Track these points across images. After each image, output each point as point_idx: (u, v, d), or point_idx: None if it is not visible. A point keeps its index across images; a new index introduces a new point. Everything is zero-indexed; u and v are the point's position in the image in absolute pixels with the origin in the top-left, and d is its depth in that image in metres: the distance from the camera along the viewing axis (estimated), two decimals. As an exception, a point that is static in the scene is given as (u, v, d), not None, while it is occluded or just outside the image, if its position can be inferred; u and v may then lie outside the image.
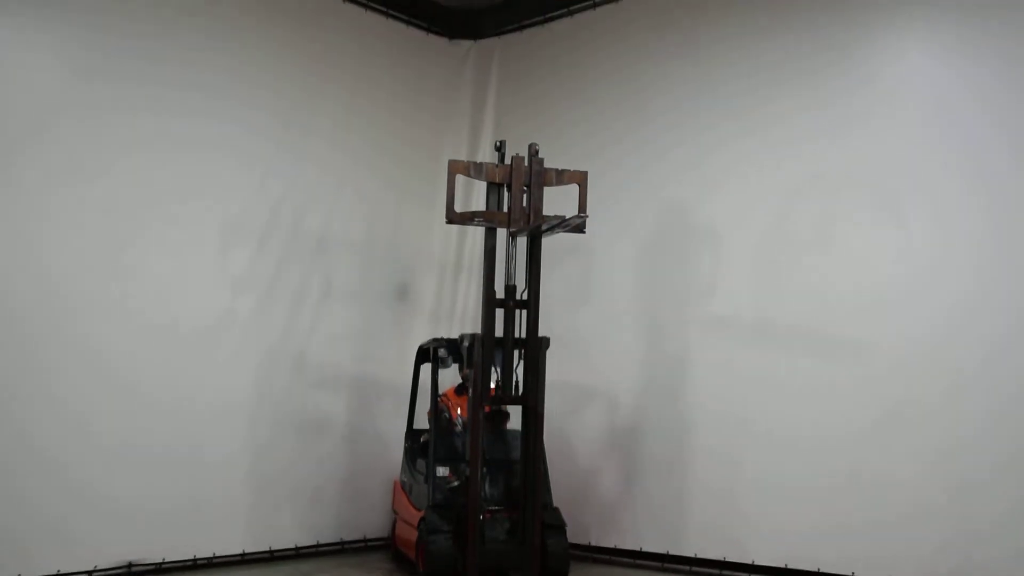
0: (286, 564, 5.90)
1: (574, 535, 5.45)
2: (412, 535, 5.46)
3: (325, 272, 6.39)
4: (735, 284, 5.69)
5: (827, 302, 5.28)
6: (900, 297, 5.04)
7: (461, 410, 5.67)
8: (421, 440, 5.92)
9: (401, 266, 6.90)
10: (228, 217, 5.85)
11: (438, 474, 5.34)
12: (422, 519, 5.27)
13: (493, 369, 5.49)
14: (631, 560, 5.92)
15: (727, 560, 5.49)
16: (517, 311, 5.07)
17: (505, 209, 5.05)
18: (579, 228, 5.06)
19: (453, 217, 5.00)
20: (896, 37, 5.22)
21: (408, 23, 6.98)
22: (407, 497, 5.79)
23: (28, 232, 4.99)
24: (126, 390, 5.30)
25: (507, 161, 5.08)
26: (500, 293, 5.07)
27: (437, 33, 7.15)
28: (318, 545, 6.20)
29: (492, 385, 5.77)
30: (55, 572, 4.94)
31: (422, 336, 6.44)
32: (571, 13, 6.73)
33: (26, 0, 5.03)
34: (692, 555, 5.65)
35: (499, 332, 5.05)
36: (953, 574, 4.69)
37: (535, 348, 5.02)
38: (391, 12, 6.86)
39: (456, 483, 5.27)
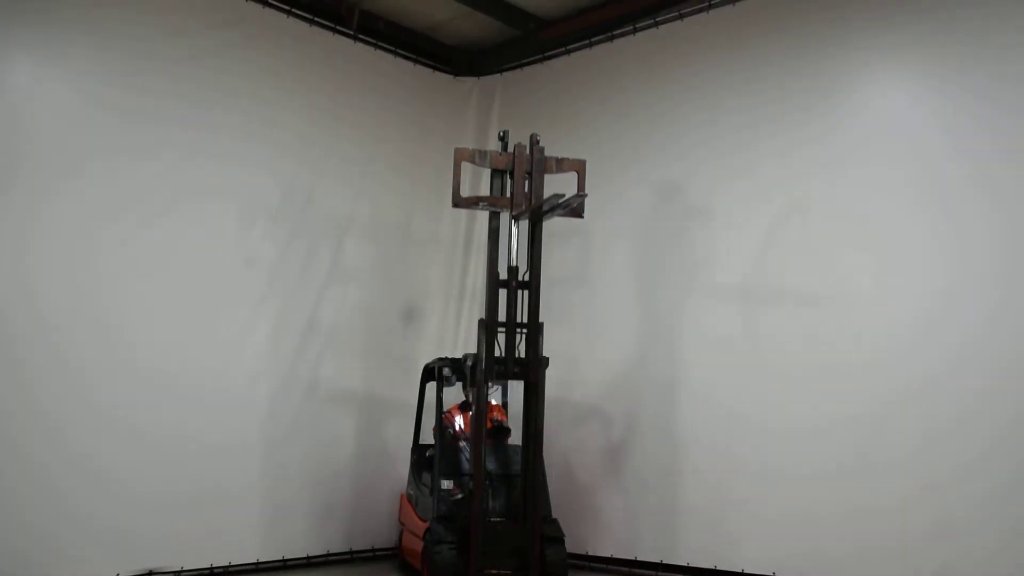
0: (298, 572, 6.09)
1: (572, 545, 5.61)
2: (418, 545, 5.60)
3: (335, 298, 6.59)
4: (727, 308, 5.87)
5: (813, 332, 5.43)
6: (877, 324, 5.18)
7: (464, 426, 5.89)
8: (426, 455, 6.06)
9: (408, 291, 7.11)
10: (243, 245, 6.07)
11: (443, 487, 5.50)
12: (427, 530, 5.40)
13: (494, 388, 5.76)
14: (627, 569, 6.10)
15: (718, 569, 5.65)
16: (519, 291, 5.25)
17: (508, 195, 5.32)
18: (578, 212, 5.32)
19: (459, 201, 5.27)
20: (871, 78, 5.45)
21: (415, 62, 7.28)
22: (413, 509, 5.94)
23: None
24: (148, 414, 5.49)
25: (510, 150, 5.34)
26: (503, 275, 5.29)
27: (442, 71, 7.43)
28: (328, 554, 6.36)
29: (494, 402, 6.06)
30: (81, 579, 5.13)
31: (427, 356, 6.66)
32: (568, 52, 7.04)
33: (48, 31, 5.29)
34: (685, 564, 5.82)
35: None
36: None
37: (536, 327, 5.23)
38: (399, 51, 7.17)
39: (460, 496, 5.41)
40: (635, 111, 6.62)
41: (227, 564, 5.84)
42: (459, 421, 5.97)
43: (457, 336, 7.27)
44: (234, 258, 6.06)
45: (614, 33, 6.81)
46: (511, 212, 5.29)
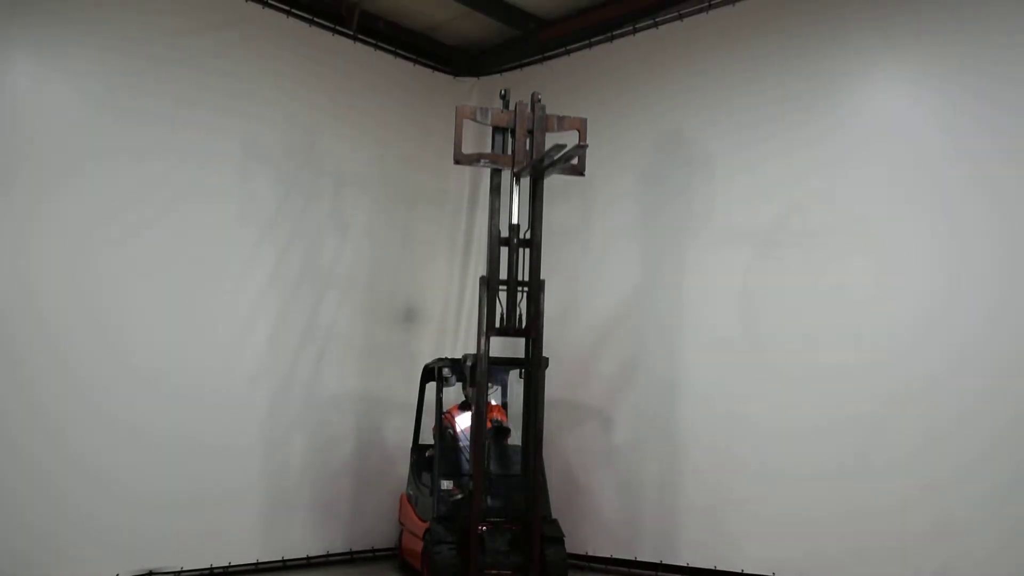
0: (298, 573, 6.11)
1: (572, 546, 5.63)
2: (418, 546, 5.62)
3: (336, 298, 6.62)
4: (725, 310, 5.88)
5: (813, 333, 5.44)
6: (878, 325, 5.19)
7: (464, 426, 5.89)
8: (426, 455, 6.09)
9: (408, 290, 7.13)
10: (244, 245, 6.09)
11: (442, 487, 5.52)
12: (427, 530, 5.41)
13: (494, 388, 5.78)
14: (626, 569, 6.12)
15: (718, 569, 5.66)
16: (520, 250, 5.31)
17: (509, 152, 5.35)
18: (579, 170, 5.34)
19: (460, 158, 5.31)
20: (871, 78, 5.46)
21: (415, 62, 7.30)
22: (413, 509, 5.96)
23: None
24: (149, 416, 5.50)
25: (511, 108, 5.36)
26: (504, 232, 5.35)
27: (442, 71, 7.44)
28: (328, 555, 6.38)
29: (494, 403, 6.07)
30: (81, 578, 5.15)
31: (427, 357, 6.70)
32: (568, 52, 7.05)
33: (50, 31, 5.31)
34: (685, 564, 5.84)
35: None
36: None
37: (537, 284, 5.27)
38: (399, 52, 7.19)
39: (460, 496, 5.43)
40: (635, 111, 6.63)
41: (227, 564, 5.86)
42: (459, 421, 5.98)
43: (457, 336, 7.28)
44: (233, 258, 6.07)
45: (614, 33, 6.82)
46: (512, 169, 5.31)
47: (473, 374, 5.35)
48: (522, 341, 5.47)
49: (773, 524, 5.47)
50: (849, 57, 5.51)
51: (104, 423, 5.36)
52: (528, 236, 5.32)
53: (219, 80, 6.02)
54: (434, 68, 7.45)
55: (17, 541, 4.98)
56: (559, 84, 7.06)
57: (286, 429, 6.27)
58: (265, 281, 6.21)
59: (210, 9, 6.05)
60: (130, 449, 5.45)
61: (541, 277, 5.29)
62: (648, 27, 6.60)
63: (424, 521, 5.59)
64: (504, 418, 6.08)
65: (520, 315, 5.31)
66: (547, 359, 5.39)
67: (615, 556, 6.22)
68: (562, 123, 5.37)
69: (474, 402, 5.36)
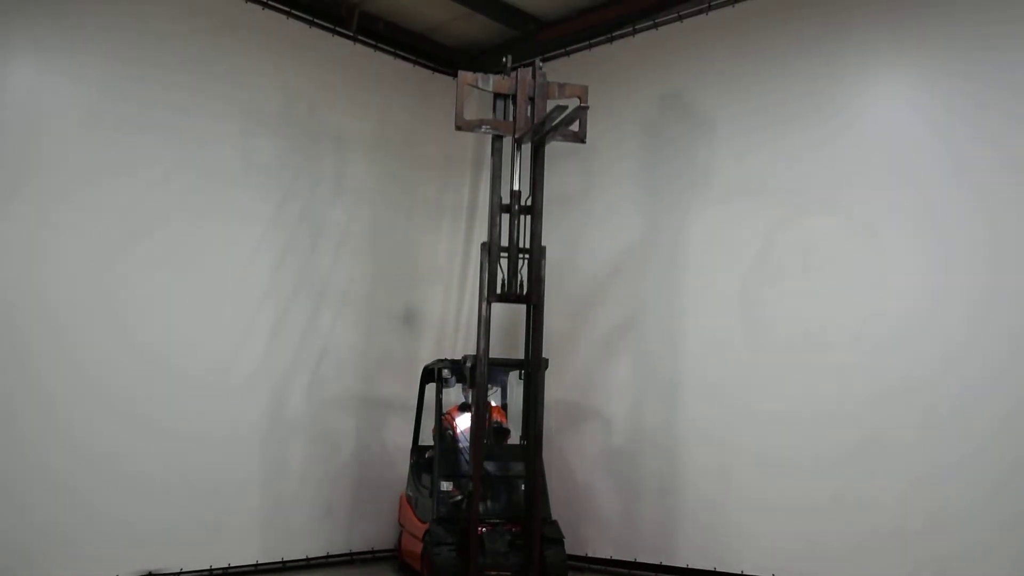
0: (297, 574, 6.12)
1: (572, 547, 5.63)
2: (417, 547, 5.63)
3: (336, 298, 6.63)
4: (724, 314, 5.89)
5: (811, 332, 5.46)
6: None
7: (464, 427, 5.89)
8: (426, 456, 6.10)
9: (408, 290, 7.15)
10: (244, 247, 6.11)
11: (442, 489, 5.52)
12: (427, 532, 5.42)
13: (494, 389, 5.77)
14: (626, 571, 6.13)
15: (717, 571, 5.68)
16: (522, 216, 5.32)
17: (511, 119, 5.36)
18: (580, 137, 5.35)
19: (461, 124, 5.32)
20: (871, 84, 5.45)
21: (415, 63, 7.31)
22: (413, 510, 5.97)
23: (46, 257, 5.22)
24: (149, 417, 5.54)
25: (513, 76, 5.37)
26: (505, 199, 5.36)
27: (442, 72, 7.44)
28: (328, 556, 6.39)
29: (494, 404, 6.07)
30: (79, 582, 5.16)
31: (427, 357, 6.70)
32: (568, 53, 7.08)
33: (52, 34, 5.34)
34: (684, 566, 5.84)
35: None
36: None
37: (538, 250, 5.28)
38: (399, 53, 7.20)
39: (459, 497, 5.43)
40: (633, 113, 6.63)
41: (226, 565, 5.87)
42: (459, 422, 5.98)
43: (456, 337, 7.27)
44: (235, 256, 6.09)
45: (613, 35, 6.83)
46: (513, 135, 5.32)
47: (473, 375, 5.35)
48: (522, 345, 5.47)
49: (773, 525, 5.48)
50: (849, 62, 5.52)
51: (112, 419, 5.39)
52: (529, 203, 5.33)
53: (219, 85, 6.04)
54: (434, 69, 7.45)
55: (21, 536, 5.00)
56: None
57: (286, 431, 6.27)
58: (268, 278, 6.23)
59: (210, 12, 6.06)
60: (132, 448, 5.46)
61: (542, 244, 5.29)
62: (647, 28, 6.61)
63: (424, 522, 5.60)
64: (504, 419, 6.09)
65: (521, 281, 5.31)
66: (547, 360, 5.39)
67: (615, 557, 6.23)
68: (563, 90, 5.39)
69: (474, 403, 5.35)
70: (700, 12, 6.28)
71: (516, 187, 5.33)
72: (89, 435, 5.30)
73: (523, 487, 5.37)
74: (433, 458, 5.80)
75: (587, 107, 5.01)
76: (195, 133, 5.87)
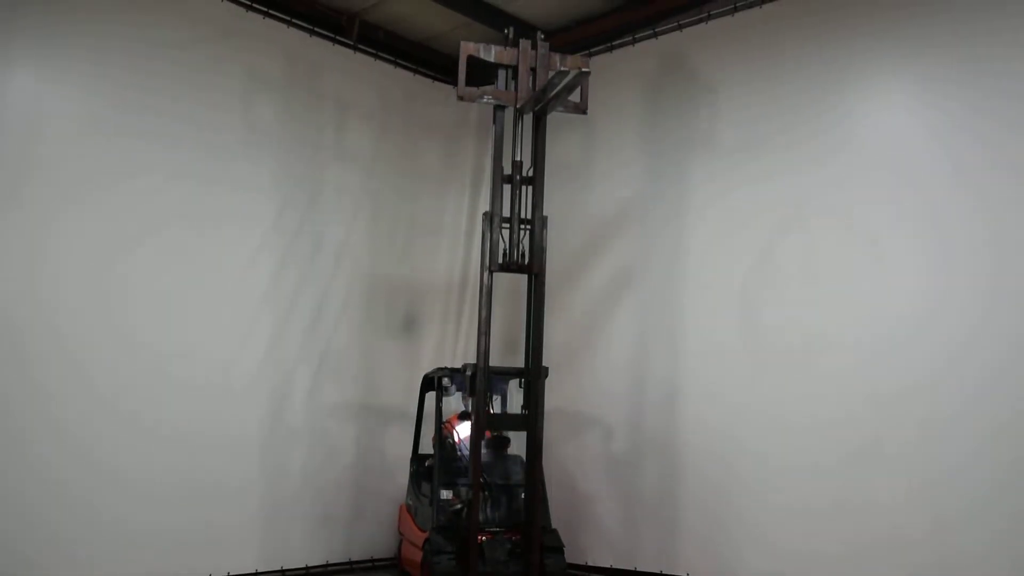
0: (297, 582, 6.12)
1: (572, 555, 5.64)
2: (417, 556, 5.62)
3: (335, 304, 6.64)
4: (724, 321, 5.91)
5: (811, 336, 5.46)
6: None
7: (464, 436, 5.88)
8: (426, 464, 6.09)
9: (409, 297, 7.16)
10: (244, 252, 6.12)
11: (442, 497, 5.52)
12: (426, 540, 5.41)
13: (494, 398, 5.77)
14: (626, 579, 6.12)
15: (718, 579, 5.68)
16: (523, 187, 5.36)
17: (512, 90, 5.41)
18: (581, 109, 5.38)
19: (463, 94, 5.35)
20: (872, 91, 5.49)
21: (415, 72, 7.34)
22: (412, 519, 5.96)
23: (42, 262, 5.22)
24: (149, 424, 5.54)
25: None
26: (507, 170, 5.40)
27: (443, 81, 7.46)
28: (327, 564, 6.38)
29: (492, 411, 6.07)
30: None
31: (427, 366, 6.71)
32: (569, 62, 7.14)
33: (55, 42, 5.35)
34: (685, 574, 5.83)
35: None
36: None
37: (540, 220, 5.31)
38: (399, 62, 7.23)
39: (459, 506, 5.43)
40: (633, 124, 6.65)
41: (225, 574, 5.85)
42: (458, 431, 5.98)
43: (456, 346, 7.28)
44: (237, 265, 6.10)
45: (613, 44, 6.85)
46: (515, 105, 5.35)
47: (473, 383, 5.34)
48: (522, 350, 5.46)
49: (774, 530, 5.47)
50: (849, 70, 5.53)
51: (112, 424, 5.39)
52: (531, 173, 5.35)
53: (218, 93, 6.05)
54: (435, 78, 7.48)
55: (21, 539, 5.00)
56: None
57: (285, 439, 6.26)
58: (267, 283, 6.25)
59: (211, 20, 6.08)
60: (132, 453, 5.46)
61: (544, 214, 5.31)
62: (647, 38, 6.64)
63: (423, 531, 5.59)
64: (504, 427, 6.08)
65: (523, 252, 5.32)
66: (547, 368, 5.39)
67: (615, 566, 6.21)
68: (564, 61, 5.42)
69: (474, 411, 5.34)
70: (700, 22, 6.31)
71: (518, 157, 5.39)
72: (89, 440, 5.30)
73: (523, 495, 5.37)
74: (433, 466, 5.79)
75: (588, 72, 5.01)
76: (195, 140, 5.88)
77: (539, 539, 5.16)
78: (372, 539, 6.63)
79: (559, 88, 4.99)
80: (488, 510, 5.42)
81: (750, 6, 6.02)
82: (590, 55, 6.96)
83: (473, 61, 5.43)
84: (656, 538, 6.03)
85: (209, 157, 5.96)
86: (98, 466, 5.31)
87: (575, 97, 5.40)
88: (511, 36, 5.55)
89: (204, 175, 5.93)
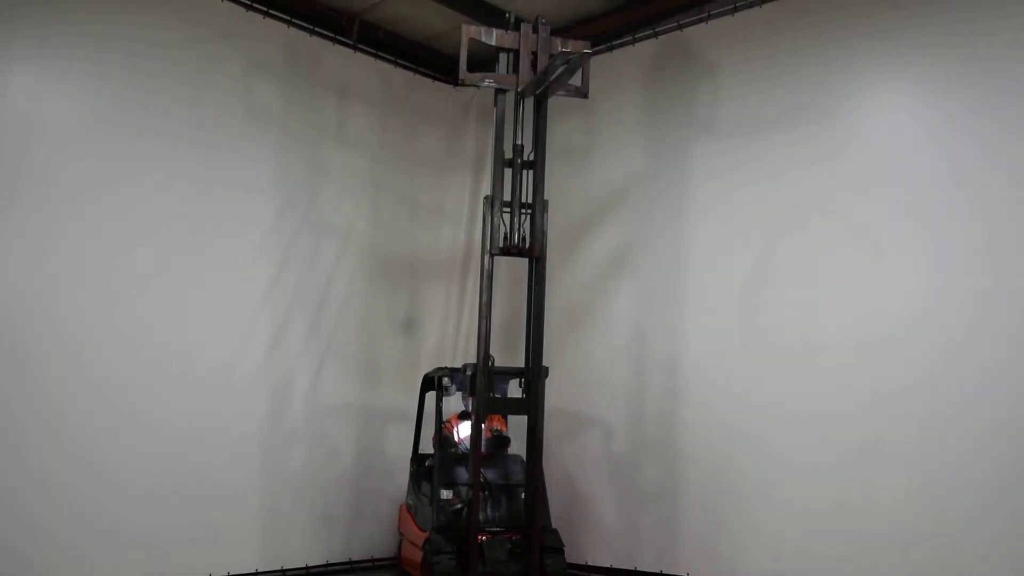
0: (297, 582, 6.11)
1: (572, 555, 5.65)
2: (417, 556, 5.62)
3: (336, 302, 6.65)
4: (725, 320, 5.91)
5: (811, 336, 5.46)
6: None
7: (464, 435, 5.89)
8: (426, 464, 6.10)
9: (408, 296, 7.17)
10: (245, 252, 6.12)
11: (442, 497, 5.52)
12: (427, 540, 5.41)
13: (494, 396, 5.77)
14: (626, 579, 6.12)
15: (719, 578, 5.68)
16: (524, 171, 5.39)
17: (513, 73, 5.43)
18: (583, 93, 5.40)
19: (465, 78, 5.37)
20: (872, 91, 5.49)
21: (415, 71, 7.34)
22: (412, 519, 5.96)
23: (39, 263, 5.22)
24: (149, 424, 5.54)
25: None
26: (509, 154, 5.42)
27: (443, 80, 7.47)
28: (327, 564, 6.38)
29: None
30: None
31: (427, 365, 6.71)
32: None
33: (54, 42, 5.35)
34: (685, 574, 5.83)
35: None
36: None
37: (541, 204, 5.33)
38: (399, 61, 7.23)
39: (459, 506, 5.43)
40: (633, 123, 6.65)
41: (225, 573, 5.85)
42: (459, 430, 5.98)
43: (456, 345, 7.29)
44: (237, 265, 6.10)
45: (613, 44, 6.85)
46: (516, 89, 5.36)
47: (473, 383, 5.34)
48: (522, 351, 5.46)
49: (774, 530, 5.47)
50: (849, 70, 5.53)
51: (112, 423, 5.39)
52: (532, 157, 5.38)
53: (218, 94, 6.04)
54: (435, 78, 7.48)
55: (21, 540, 5.01)
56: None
57: (285, 439, 6.27)
58: (267, 281, 6.24)
59: (210, 21, 6.07)
60: (132, 453, 5.46)
61: (545, 198, 5.33)
62: (647, 37, 6.64)
63: (423, 531, 5.59)
64: (504, 427, 6.09)
65: (524, 236, 5.34)
66: (547, 368, 5.39)
67: (615, 566, 6.21)
68: (566, 45, 5.43)
69: (474, 411, 5.34)
70: (700, 21, 6.31)
71: (519, 141, 5.41)
72: (89, 440, 5.30)
73: (523, 495, 5.37)
74: (433, 466, 5.79)
75: (590, 53, 5.01)
76: (195, 140, 5.88)
77: (539, 539, 5.16)
78: (372, 539, 6.63)
79: (560, 71, 4.99)
80: (488, 510, 5.43)
81: (750, 6, 6.02)
82: (592, 55, 6.96)
83: (474, 53, 5.44)
84: (656, 538, 6.04)
85: (209, 156, 5.96)
86: (98, 466, 5.31)
87: (576, 80, 5.42)
88: (512, 20, 5.56)
89: (204, 174, 5.93)
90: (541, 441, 5.25)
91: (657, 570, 5.98)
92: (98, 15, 5.53)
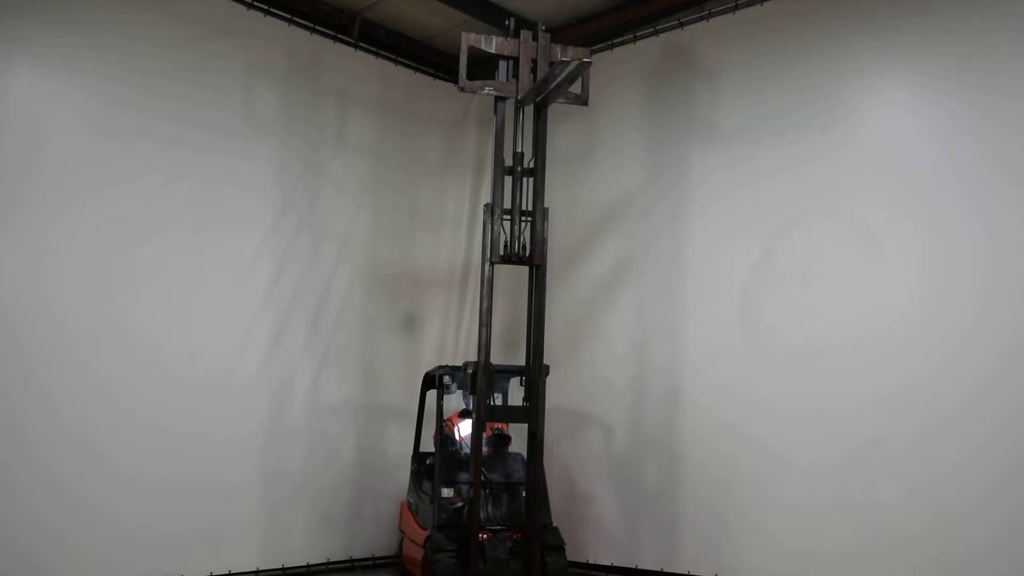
0: (298, 580, 6.12)
1: (573, 554, 5.68)
2: (418, 554, 5.63)
3: (337, 302, 6.65)
4: (725, 321, 5.91)
5: (811, 336, 5.46)
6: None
7: (465, 434, 5.89)
8: (427, 463, 6.08)
9: (410, 292, 7.17)
10: (245, 252, 6.12)
11: (443, 495, 5.53)
12: (428, 538, 5.42)
13: (495, 396, 5.78)
14: (627, 577, 6.13)
15: (719, 576, 5.70)
16: (524, 179, 5.39)
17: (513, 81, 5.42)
18: (583, 100, 5.39)
19: (465, 85, 5.37)
20: (871, 92, 5.50)
21: (416, 70, 7.34)
22: (413, 517, 5.96)
23: (41, 267, 5.23)
24: (150, 424, 5.56)
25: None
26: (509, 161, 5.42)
27: (443, 79, 7.46)
28: (328, 563, 6.39)
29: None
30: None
31: (428, 364, 6.71)
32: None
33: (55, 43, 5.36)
34: (686, 572, 5.84)
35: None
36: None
37: (541, 212, 5.33)
38: (400, 60, 7.22)
39: (460, 504, 5.44)
40: (634, 120, 6.64)
41: (227, 572, 5.86)
42: (459, 429, 5.98)
43: (457, 343, 7.29)
44: (237, 266, 6.10)
45: (614, 42, 6.84)
46: (516, 96, 5.35)
47: (474, 382, 5.36)
48: (523, 351, 5.47)
49: (774, 530, 5.48)
50: (849, 70, 5.53)
51: (113, 424, 5.40)
52: (532, 165, 5.38)
53: (218, 94, 6.04)
54: (435, 76, 7.47)
55: (22, 540, 5.01)
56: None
57: (286, 438, 6.28)
58: (269, 281, 6.26)
59: (210, 20, 6.07)
60: (133, 453, 5.47)
61: (545, 206, 5.33)
62: (648, 35, 6.63)
63: (424, 529, 5.60)
64: (505, 426, 6.09)
65: (524, 243, 5.33)
66: (547, 367, 5.40)
67: (616, 564, 6.23)
68: (565, 52, 5.42)
69: (474, 409, 5.35)
70: (701, 19, 6.30)
71: (519, 149, 5.40)
72: (90, 440, 5.31)
73: (524, 493, 5.38)
74: (434, 465, 5.80)
75: (590, 62, 4.99)
76: (195, 140, 5.88)
77: (540, 537, 5.16)
78: (373, 537, 6.64)
79: (560, 78, 4.98)
80: (489, 508, 5.43)
81: (751, 4, 6.03)
82: (592, 53, 6.94)
83: (474, 58, 5.43)
84: (657, 536, 6.05)
85: (209, 156, 5.97)
86: (98, 466, 5.32)
87: (576, 88, 5.41)
88: (512, 27, 5.54)
89: (204, 174, 5.93)
90: (542, 445, 5.25)
91: (658, 568, 6.00)
92: (98, 15, 5.53)
